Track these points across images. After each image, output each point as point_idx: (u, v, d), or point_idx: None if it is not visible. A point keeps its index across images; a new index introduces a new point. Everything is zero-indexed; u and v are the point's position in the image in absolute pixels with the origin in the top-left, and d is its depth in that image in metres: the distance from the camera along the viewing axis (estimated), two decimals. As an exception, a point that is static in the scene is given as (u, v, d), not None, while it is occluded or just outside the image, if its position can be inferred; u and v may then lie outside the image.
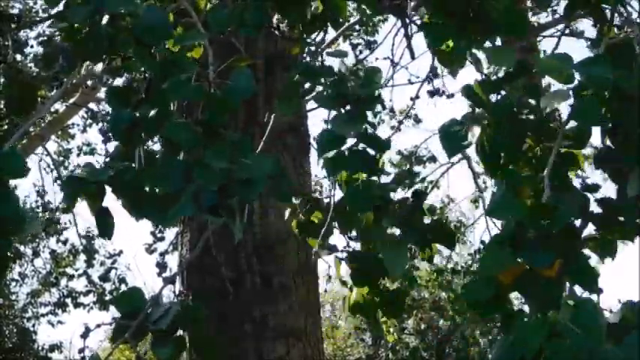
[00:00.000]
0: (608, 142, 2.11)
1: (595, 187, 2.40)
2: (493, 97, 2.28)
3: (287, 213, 2.88)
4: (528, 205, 1.95)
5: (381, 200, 2.45)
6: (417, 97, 4.34)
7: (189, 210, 1.88)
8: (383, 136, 2.46)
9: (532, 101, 2.20)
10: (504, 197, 1.98)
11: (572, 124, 2.12)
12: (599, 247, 2.33)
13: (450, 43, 2.49)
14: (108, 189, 2.02)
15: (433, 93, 5.87)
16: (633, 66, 2.04)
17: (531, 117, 2.20)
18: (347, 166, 2.36)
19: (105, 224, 2.05)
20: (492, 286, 1.91)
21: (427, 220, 2.59)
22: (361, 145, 2.34)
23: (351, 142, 2.36)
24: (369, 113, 2.34)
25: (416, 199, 2.55)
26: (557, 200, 1.94)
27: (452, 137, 2.15)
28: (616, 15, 2.54)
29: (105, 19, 2.09)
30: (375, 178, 2.44)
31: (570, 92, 1.99)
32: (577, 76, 1.98)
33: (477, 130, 2.14)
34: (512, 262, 1.88)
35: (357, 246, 2.76)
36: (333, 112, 2.35)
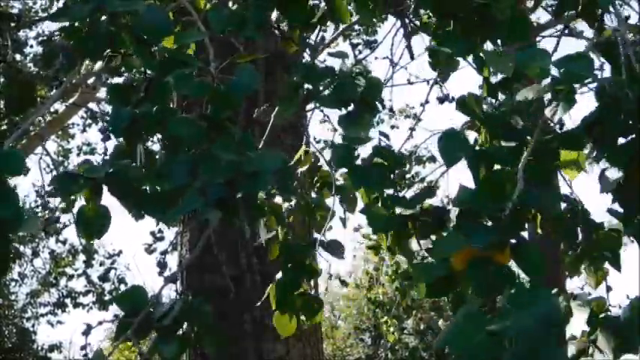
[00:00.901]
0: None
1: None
2: (491, 102, 2.29)
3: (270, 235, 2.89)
4: (482, 184, 1.95)
5: (401, 219, 2.44)
6: (427, 101, 4.32)
7: (196, 204, 1.87)
8: (393, 139, 2.47)
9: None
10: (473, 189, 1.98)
11: (570, 126, 2.12)
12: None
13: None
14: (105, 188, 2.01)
15: (443, 100, 5.87)
16: (617, 65, 2.04)
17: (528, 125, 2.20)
18: (366, 184, 2.37)
19: (93, 224, 2.03)
20: (442, 268, 1.90)
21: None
22: (377, 159, 2.35)
23: (361, 150, 2.37)
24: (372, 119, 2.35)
25: (440, 214, 2.52)
26: (528, 193, 1.92)
27: (450, 147, 2.15)
28: (607, 15, 2.55)
29: (105, 18, 2.09)
30: (390, 192, 2.45)
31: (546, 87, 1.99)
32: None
33: (472, 139, 2.14)
34: (463, 245, 1.86)
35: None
36: (333, 112, 2.36)
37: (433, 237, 2.46)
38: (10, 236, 1.83)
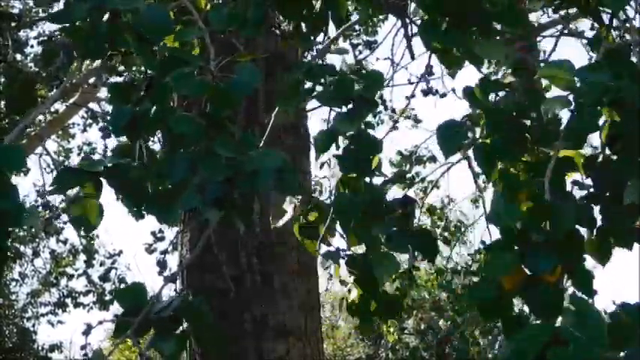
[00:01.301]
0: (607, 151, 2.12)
1: (596, 197, 2.41)
2: (492, 97, 2.28)
3: (289, 213, 2.87)
4: (530, 210, 1.96)
5: (370, 204, 2.44)
6: (413, 95, 4.35)
7: (193, 202, 1.88)
8: (381, 136, 2.46)
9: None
10: (504, 202, 1.99)
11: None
12: (596, 251, 2.34)
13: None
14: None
15: (427, 92, 5.95)
16: (633, 73, 2.05)
17: (529, 121, 2.20)
18: (341, 168, 2.37)
19: (85, 218, 2.03)
20: (495, 289, 1.92)
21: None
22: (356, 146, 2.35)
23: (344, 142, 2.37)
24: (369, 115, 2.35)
25: (405, 205, 2.53)
26: (557, 205, 1.95)
27: (449, 137, 2.15)
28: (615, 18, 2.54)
29: (105, 16, 2.09)
30: (367, 179, 2.44)
31: (571, 98, 2.00)
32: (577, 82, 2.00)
33: (476, 131, 2.15)
34: (515, 266, 1.89)
35: (357, 248, 2.75)
36: (334, 112, 2.36)
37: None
38: (9, 230, 1.84)
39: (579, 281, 1.93)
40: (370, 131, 2.41)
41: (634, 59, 2.15)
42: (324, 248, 2.94)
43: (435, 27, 2.33)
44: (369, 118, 2.37)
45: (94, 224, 2.03)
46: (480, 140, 2.17)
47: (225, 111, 2.00)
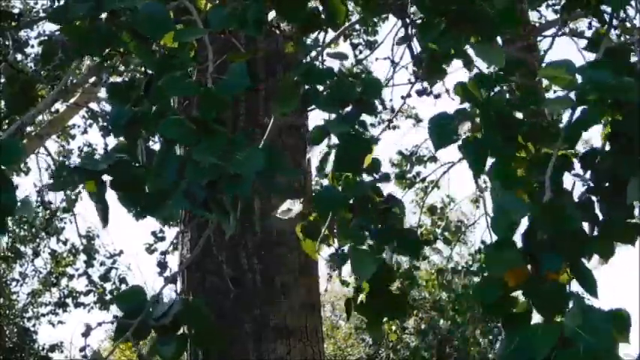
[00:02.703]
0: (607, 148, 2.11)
1: (596, 190, 2.40)
2: (485, 94, 2.28)
3: (293, 212, 2.86)
4: (539, 207, 1.96)
5: (355, 200, 2.44)
6: (409, 95, 4.34)
7: (181, 205, 1.88)
8: (386, 139, 2.46)
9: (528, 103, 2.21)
10: (510, 198, 1.98)
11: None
12: (599, 249, 2.34)
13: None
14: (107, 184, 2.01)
15: (421, 92, 5.98)
16: (633, 72, 2.05)
17: (522, 117, 2.20)
18: (332, 166, 2.37)
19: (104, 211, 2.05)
20: (501, 287, 1.92)
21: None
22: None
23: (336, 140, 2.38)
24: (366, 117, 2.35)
25: (388, 202, 2.52)
26: (563, 204, 1.95)
27: (441, 130, 2.15)
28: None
29: (104, 15, 2.09)
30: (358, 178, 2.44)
31: (572, 96, 2.00)
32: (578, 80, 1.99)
33: (467, 126, 2.14)
34: (519, 263, 1.89)
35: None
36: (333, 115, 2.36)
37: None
38: (5, 221, 1.85)
39: (584, 280, 1.93)
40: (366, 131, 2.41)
41: (635, 58, 2.15)
42: (325, 249, 2.94)
43: (432, 28, 2.33)
44: (366, 118, 2.37)
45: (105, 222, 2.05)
46: (470, 134, 2.16)
47: (213, 113, 2.00)
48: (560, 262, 1.87)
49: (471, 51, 2.47)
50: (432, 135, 2.16)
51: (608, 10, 2.49)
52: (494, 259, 1.95)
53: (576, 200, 2.46)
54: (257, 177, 1.92)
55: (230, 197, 1.93)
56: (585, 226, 2.38)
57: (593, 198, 2.34)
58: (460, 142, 2.19)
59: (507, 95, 2.25)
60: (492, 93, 2.27)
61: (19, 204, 1.84)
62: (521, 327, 1.82)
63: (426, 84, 4.39)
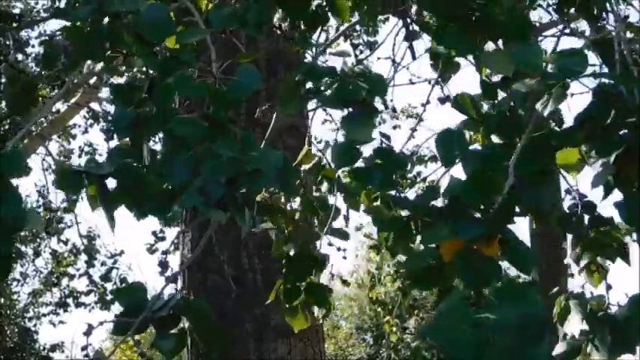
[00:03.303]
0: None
1: (586, 206, 2.42)
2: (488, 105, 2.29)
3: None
4: (467, 181, 1.95)
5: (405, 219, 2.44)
6: (428, 102, 4.34)
7: (195, 201, 1.88)
8: (394, 139, 2.48)
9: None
10: (455, 178, 1.99)
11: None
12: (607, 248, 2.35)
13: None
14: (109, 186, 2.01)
15: (444, 100, 5.91)
16: (614, 63, 2.05)
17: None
18: (366, 185, 2.38)
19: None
20: (429, 258, 1.92)
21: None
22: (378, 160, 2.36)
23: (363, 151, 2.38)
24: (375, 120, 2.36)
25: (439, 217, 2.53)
26: (490, 175, 1.93)
27: (448, 146, 2.15)
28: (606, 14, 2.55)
29: (106, 18, 2.10)
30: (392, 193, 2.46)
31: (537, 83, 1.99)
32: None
33: (467, 137, 2.15)
34: (449, 235, 1.87)
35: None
36: (335, 112, 2.37)
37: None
38: (13, 236, 1.84)
39: (515, 257, 1.88)
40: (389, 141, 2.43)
41: (618, 49, 2.14)
42: (325, 245, 2.96)
43: (449, 34, 2.32)
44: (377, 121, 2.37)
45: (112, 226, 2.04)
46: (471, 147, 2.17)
47: (226, 112, 2.00)
48: (478, 229, 1.85)
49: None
50: (440, 152, 2.17)
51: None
52: (428, 231, 1.98)
53: (566, 211, 2.48)
54: (275, 174, 1.93)
55: (246, 195, 1.93)
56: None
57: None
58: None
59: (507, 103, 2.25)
60: (496, 102, 2.28)
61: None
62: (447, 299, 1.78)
63: (447, 90, 4.39)
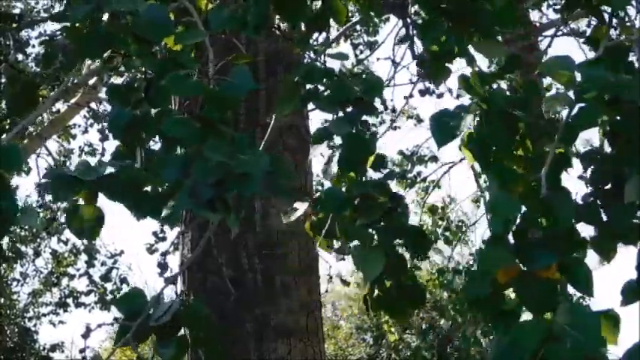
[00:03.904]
0: (607, 147, 2.11)
1: (601, 193, 2.40)
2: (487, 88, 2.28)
3: (299, 211, 2.86)
4: (528, 204, 1.95)
5: (359, 200, 2.44)
6: (411, 95, 4.35)
7: (185, 204, 1.88)
8: (387, 139, 2.47)
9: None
10: (504, 195, 1.98)
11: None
12: (599, 249, 2.33)
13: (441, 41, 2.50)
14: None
15: (424, 92, 5.97)
16: (632, 71, 2.04)
17: (521, 115, 2.20)
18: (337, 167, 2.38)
19: (84, 224, 2.04)
20: (490, 284, 1.91)
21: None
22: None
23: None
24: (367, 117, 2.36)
25: (393, 201, 2.52)
26: (556, 201, 1.94)
27: (443, 127, 2.14)
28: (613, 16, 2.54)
29: (105, 17, 2.09)
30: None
31: (571, 95, 1.99)
32: (578, 77, 1.99)
33: (469, 120, 2.13)
34: (510, 260, 1.88)
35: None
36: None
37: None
38: (6, 229, 1.83)
39: (576, 278, 1.90)
40: (368, 131, 2.42)
41: (634, 58, 2.14)
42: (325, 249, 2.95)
43: (433, 28, 2.33)
44: (367, 118, 2.37)
45: (94, 235, 2.03)
46: (474, 131, 2.16)
47: (219, 114, 2.00)
48: (550, 259, 1.86)
49: (471, 49, 2.48)
50: (435, 132, 2.15)
51: (608, 9, 2.49)
52: (486, 256, 1.95)
53: (580, 202, 2.47)
54: (264, 177, 1.92)
55: (234, 197, 1.93)
56: (590, 229, 2.38)
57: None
58: (462, 139, 2.18)
59: (507, 93, 2.25)
60: (493, 88, 2.27)
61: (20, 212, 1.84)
62: (510, 324, 1.81)
63: (428, 83, 4.39)
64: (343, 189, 2.46)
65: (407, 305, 2.58)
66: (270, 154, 2.02)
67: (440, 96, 6.60)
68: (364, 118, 2.36)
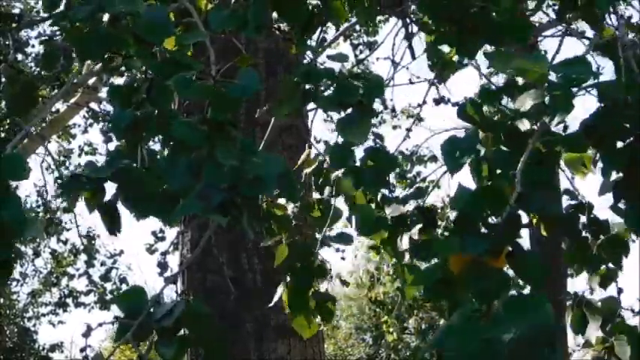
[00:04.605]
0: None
1: (582, 207, 2.42)
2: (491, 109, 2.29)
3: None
4: (474, 194, 1.95)
5: (394, 219, 2.46)
6: (424, 102, 4.33)
7: (195, 208, 1.87)
8: (387, 139, 2.49)
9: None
10: (462, 188, 1.99)
11: (574, 128, 2.11)
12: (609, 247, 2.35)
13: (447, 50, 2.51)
14: (108, 188, 2.01)
15: (439, 101, 5.89)
16: (618, 67, 2.04)
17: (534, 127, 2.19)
18: (359, 186, 2.40)
19: (111, 220, 2.05)
20: (439, 272, 1.92)
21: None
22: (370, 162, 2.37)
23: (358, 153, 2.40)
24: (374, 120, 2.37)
25: (425, 215, 2.53)
26: (527, 197, 1.92)
27: (454, 152, 2.14)
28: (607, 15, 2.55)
29: (106, 18, 2.10)
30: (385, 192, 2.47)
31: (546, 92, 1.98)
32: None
33: (477, 144, 2.14)
34: (457, 249, 1.87)
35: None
36: (335, 113, 2.36)
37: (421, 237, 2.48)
38: (12, 242, 1.83)
39: (523, 269, 1.88)
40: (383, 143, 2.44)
41: (622, 54, 2.14)
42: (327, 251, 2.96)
43: (446, 37, 2.32)
44: (374, 121, 2.38)
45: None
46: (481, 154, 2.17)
47: (225, 115, 1.99)
48: (483, 245, 1.84)
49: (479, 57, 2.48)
50: (446, 158, 2.16)
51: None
52: (439, 245, 1.94)
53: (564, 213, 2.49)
54: (277, 180, 1.92)
55: (246, 200, 1.93)
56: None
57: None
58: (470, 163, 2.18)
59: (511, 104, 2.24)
60: (499, 107, 2.27)
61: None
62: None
63: (442, 92, 4.40)
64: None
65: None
66: (278, 156, 2.03)
67: (455, 105, 6.55)
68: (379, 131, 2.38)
